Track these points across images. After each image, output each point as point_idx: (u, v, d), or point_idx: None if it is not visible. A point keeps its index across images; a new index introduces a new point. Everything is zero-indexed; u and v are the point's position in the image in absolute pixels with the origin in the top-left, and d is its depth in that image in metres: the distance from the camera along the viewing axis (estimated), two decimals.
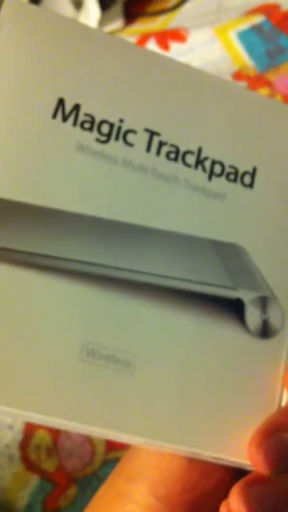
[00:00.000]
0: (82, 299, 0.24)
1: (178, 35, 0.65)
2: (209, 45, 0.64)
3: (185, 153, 0.27)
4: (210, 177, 0.27)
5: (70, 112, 0.25)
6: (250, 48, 0.64)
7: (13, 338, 0.23)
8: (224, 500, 0.28)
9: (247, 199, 0.27)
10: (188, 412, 0.24)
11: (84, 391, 0.23)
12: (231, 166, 0.27)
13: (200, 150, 0.27)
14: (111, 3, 0.65)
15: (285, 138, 0.28)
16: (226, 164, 0.27)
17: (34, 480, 0.45)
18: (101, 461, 0.46)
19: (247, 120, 0.28)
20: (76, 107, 0.25)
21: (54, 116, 0.25)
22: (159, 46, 0.64)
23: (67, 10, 0.65)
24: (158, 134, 0.26)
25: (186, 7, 0.70)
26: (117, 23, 0.68)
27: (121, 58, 0.26)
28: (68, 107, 0.25)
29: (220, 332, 0.25)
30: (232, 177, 0.27)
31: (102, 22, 0.66)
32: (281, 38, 0.64)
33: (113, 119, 0.26)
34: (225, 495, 0.28)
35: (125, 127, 0.26)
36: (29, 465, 0.46)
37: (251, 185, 0.27)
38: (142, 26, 0.69)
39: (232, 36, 0.64)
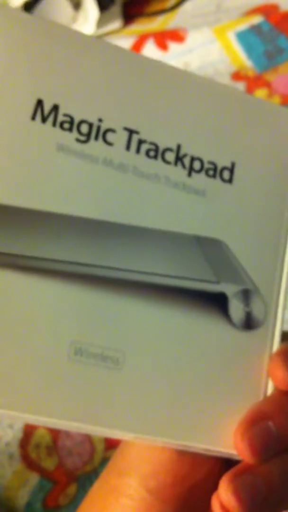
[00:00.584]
0: (68, 299, 0.24)
1: (176, 36, 0.65)
2: (207, 46, 0.64)
3: (164, 150, 0.27)
4: (189, 174, 0.27)
5: (49, 113, 0.25)
6: (249, 48, 0.64)
7: (0, 341, 0.23)
8: (214, 492, 0.28)
9: (227, 194, 0.27)
10: (177, 406, 0.25)
11: (73, 390, 0.23)
12: (210, 162, 0.27)
13: (179, 147, 0.27)
14: (110, 4, 0.65)
15: (262, 133, 0.29)
16: (205, 160, 0.27)
17: (34, 478, 0.46)
18: (101, 459, 0.46)
19: (225, 116, 0.28)
20: (55, 108, 0.25)
21: (33, 117, 0.25)
22: (157, 46, 0.65)
23: (66, 11, 0.66)
24: (137, 132, 0.26)
25: (185, 7, 0.70)
26: (115, 24, 0.68)
27: (98, 58, 0.26)
28: (47, 108, 0.25)
29: (205, 326, 0.26)
30: (211, 172, 0.27)
31: (101, 22, 0.66)
32: (280, 39, 0.64)
33: (92, 119, 0.26)
34: (215, 485, 0.28)
35: (104, 126, 0.26)
36: (29, 463, 0.46)
37: (230, 180, 0.27)
38: (140, 26, 0.69)
39: (231, 36, 0.64)
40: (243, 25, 0.65)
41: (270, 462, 0.24)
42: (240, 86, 0.62)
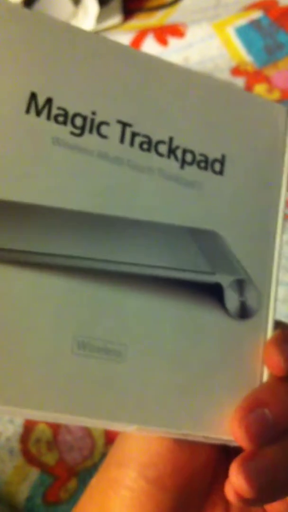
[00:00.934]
0: (68, 293, 0.24)
1: (176, 31, 0.65)
2: (207, 41, 0.64)
3: (157, 143, 0.27)
4: (182, 166, 0.27)
5: (43, 106, 0.25)
6: (248, 43, 0.64)
7: (3, 337, 0.23)
8: (213, 479, 0.29)
9: (219, 185, 0.28)
10: (177, 396, 0.25)
11: (78, 384, 0.24)
12: (201, 154, 0.28)
13: (171, 139, 0.27)
14: None
15: (252, 127, 0.29)
16: (197, 152, 0.28)
17: (34, 473, 0.46)
18: (101, 454, 0.46)
19: (215, 109, 0.28)
20: (49, 101, 0.25)
21: (28, 111, 0.25)
22: (157, 41, 0.65)
23: (66, 6, 0.65)
24: (130, 125, 0.27)
25: (184, 2, 0.70)
26: (115, 19, 0.68)
27: (90, 52, 0.26)
28: (41, 101, 0.25)
29: (202, 316, 0.26)
30: (203, 165, 0.28)
31: (101, 17, 0.66)
32: (279, 34, 0.64)
33: (86, 112, 0.26)
34: (213, 473, 0.29)
35: (98, 119, 0.26)
36: (30, 458, 0.46)
37: (221, 172, 0.28)
38: (140, 21, 0.69)
39: (231, 31, 0.64)
40: (243, 20, 0.65)
41: (273, 446, 0.25)
42: (240, 81, 0.62)
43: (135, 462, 0.28)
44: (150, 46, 0.64)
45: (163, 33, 0.65)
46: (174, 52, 0.64)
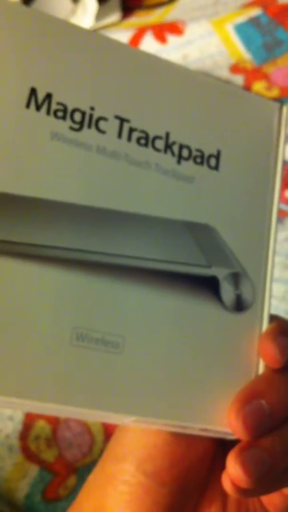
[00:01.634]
0: (67, 285, 0.24)
1: (175, 28, 0.65)
2: (206, 38, 0.64)
3: (154, 138, 0.27)
4: (179, 161, 0.28)
5: (43, 101, 0.26)
6: (247, 41, 0.64)
7: (3, 329, 0.23)
8: (210, 472, 0.29)
9: (214, 180, 0.28)
10: (175, 387, 0.25)
11: (77, 375, 0.24)
12: (197, 150, 0.28)
13: (168, 135, 0.28)
14: None
15: (245, 122, 0.30)
16: (193, 147, 0.28)
17: (34, 470, 0.46)
18: (100, 450, 0.47)
19: (211, 106, 0.29)
20: (48, 96, 0.26)
21: (28, 105, 0.25)
22: (156, 39, 0.64)
23: (65, 3, 0.65)
24: (127, 120, 0.27)
25: (183, 0, 0.70)
26: (114, 16, 0.68)
27: (89, 49, 0.27)
28: (41, 96, 0.25)
29: (198, 309, 0.27)
30: (199, 160, 0.28)
31: (100, 15, 0.66)
32: (278, 31, 0.64)
33: (85, 107, 0.26)
34: (210, 466, 0.29)
35: (96, 114, 0.26)
36: (29, 455, 0.46)
37: (216, 167, 0.28)
38: (139, 19, 0.69)
39: (229, 29, 0.64)
40: (241, 18, 0.65)
41: (269, 436, 0.25)
42: (239, 78, 0.62)
43: (132, 456, 0.28)
44: (149, 43, 0.64)
45: (162, 31, 0.65)
46: (173, 49, 0.64)
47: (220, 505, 0.29)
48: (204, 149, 0.28)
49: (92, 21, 0.65)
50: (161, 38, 0.65)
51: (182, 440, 0.28)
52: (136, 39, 0.65)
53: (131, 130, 0.27)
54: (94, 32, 0.28)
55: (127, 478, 0.28)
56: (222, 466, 0.26)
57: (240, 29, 0.64)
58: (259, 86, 0.61)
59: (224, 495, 0.29)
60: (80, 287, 0.25)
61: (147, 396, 0.25)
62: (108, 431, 0.47)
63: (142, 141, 0.27)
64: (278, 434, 0.25)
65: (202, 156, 0.28)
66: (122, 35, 0.65)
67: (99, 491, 0.29)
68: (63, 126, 0.26)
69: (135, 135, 0.27)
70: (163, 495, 0.28)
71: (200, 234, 0.27)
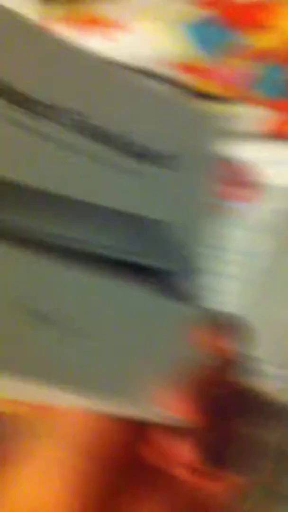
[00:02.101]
0: (21, 265, 0.25)
1: (124, 26, 0.64)
2: (157, 37, 0.63)
3: (111, 135, 0.28)
4: (136, 159, 0.29)
5: (2, 90, 0.26)
6: (199, 41, 0.63)
7: None
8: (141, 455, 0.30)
9: (172, 179, 0.30)
10: (123, 372, 0.27)
11: (28, 352, 0.24)
12: (154, 149, 0.30)
13: (125, 133, 0.29)
14: None
15: (192, 128, 0.31)
16: (151, 147, 0.30)
17: None
18: None
19: (163, 109, 0.31)
20: (9, 84, 0.26)
21: None
22: (105, 37, 0.63)
23: None
24: (85, 116, 0.28)
25: None
26: (60, 10, 0.66)
27: (47, 43, 0.28)
28: (0, 84, 0.26)
29: (144, 299, 0.28)
30: (156, 159, 0.30)
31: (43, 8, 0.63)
32: (231, 32, 0.63)
33: (44, 99, 0.27)
34: (140, 451, 0.30)
35: (55, 107, 0.27)
36: None
37: (172, 167, 0.30)
38: (83, 14, 0.67)
39: (182, 28, 0.64)
40: (194, 17, 0.64)
41: (217, 422, 0.27)
42: (190, 78, 0.61)
43: (70, 439, 0.29)
44: (98, 42, 0.63)
45: (111, 29, 0.64)
46: (123, 48, 0.63)
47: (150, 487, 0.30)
48: (161, 148, 0.30)
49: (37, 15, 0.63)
50: (110, 37, 0.63)
51: (122, 422, 0.29)
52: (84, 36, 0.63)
53: (89, 126, 0.28)
54: (44, 27, 0.28)
55: (48, 453, 0.28)
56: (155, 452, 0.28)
57: (193, 28, 0.64)
58: (210, 86, 0.61)
59: (154, 479, 0.30)
60: (38, 269, 0.25)
61: (96, 378, 0.26)
62: None
63: (100, 137, 0.28)
64: (224, 420, 0.27)
65: (158, 156, 0.30)
66: (69, 31, 0.63)
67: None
68: (22, 115, 0.26)
69: (92, 130, 0.28)
70: (92, 472, 0.28)
71: (155, 228, 0.29)
